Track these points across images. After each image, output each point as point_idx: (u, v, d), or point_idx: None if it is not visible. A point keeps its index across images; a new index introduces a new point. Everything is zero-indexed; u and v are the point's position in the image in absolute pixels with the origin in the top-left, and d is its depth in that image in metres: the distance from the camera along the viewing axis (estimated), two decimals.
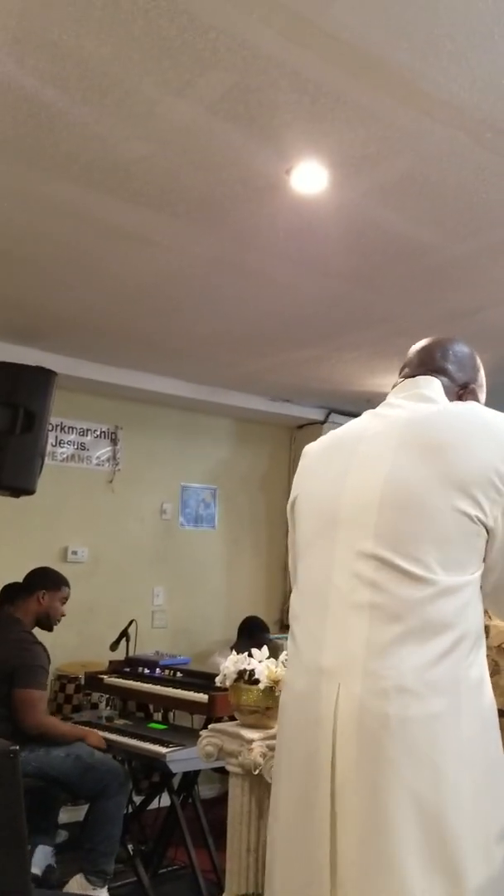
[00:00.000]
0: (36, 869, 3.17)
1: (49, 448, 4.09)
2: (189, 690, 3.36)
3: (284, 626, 5.28)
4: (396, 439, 1.45)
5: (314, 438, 1.71)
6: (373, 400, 1.89)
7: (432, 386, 1.58)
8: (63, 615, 3.56)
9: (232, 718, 2.26)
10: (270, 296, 3.37)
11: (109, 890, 3.11)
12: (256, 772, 1.99)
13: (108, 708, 4.03)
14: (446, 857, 1.26)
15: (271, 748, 1.94)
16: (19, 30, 1.78)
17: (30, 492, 3.62)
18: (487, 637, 1.60)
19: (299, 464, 1.67)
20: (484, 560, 1.39)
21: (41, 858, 3.25)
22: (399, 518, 1.38)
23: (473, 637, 1.35)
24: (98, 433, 4.88)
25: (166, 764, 3.06)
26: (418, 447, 1.42)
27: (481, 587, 1.40)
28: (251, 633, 4.69)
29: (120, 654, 4.03)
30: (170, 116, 2.09)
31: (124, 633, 4.06)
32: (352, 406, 5.07)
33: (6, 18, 1.75)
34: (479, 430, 1.43)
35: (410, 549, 1.35)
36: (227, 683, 2.20)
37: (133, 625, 4.08)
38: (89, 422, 4.84)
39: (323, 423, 5.48)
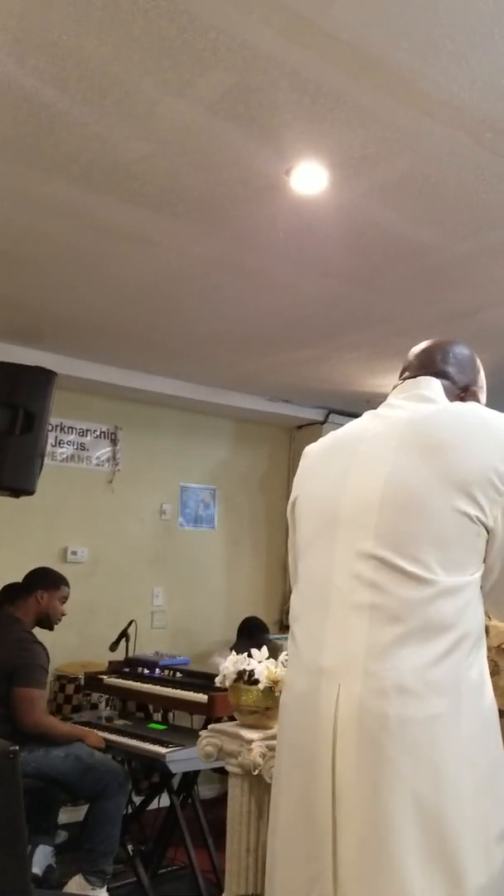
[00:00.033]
0: (36, 869, 3.17)
1: (49, 448, 4.09)
2: (189, 691, 3.35)
3: (284, 627, 5.28)
4: (397, 440, 1.46)
5: (314, 439, 1.71)
6: (373, 400, 1.89)
7: (432, 386, 1.58)
8: (63, 614, 3.56)
9: (231, 719, 2.25)
10: (270, 296, 3.37)
11: (109, 890, 3.11)
12: (256, 772, 1.99)
13: (108, 708, 4.04)
14: (446, 856, 1.26)
15: (271, 748, 1.94)
16: (19, 30, 1.78)
17: (30, 492, 3.62)
18: (487, 637, 1.60)
19: (300, 464, 1.67)
20: (484, 560, 1.39)
21: (41, 858, 3.25)
22: (399, 518, 1.38)
23: (474, 637, 1.36)
24: (98, 433, 4.88)
25: (166, 764, 3.06)
26: (418, 447, 1.43)
27: (481, 587, 1.40)
28: (251, 634, 4.69)
29: (119, 655, 4.03)
30: (170, 116, 2.09)
31: (124, 634, 4.06)
32: (351, 406, 5.07)
33: (6, 18, 1.75)
34: (479, 429, 1.44)
35: (411, 550, 1.35)
36: (227, 684, 2.20)
37: (133, 625, 4.08)
38: (89, 422, 4.84)
39: (322, 423, 5.47)
